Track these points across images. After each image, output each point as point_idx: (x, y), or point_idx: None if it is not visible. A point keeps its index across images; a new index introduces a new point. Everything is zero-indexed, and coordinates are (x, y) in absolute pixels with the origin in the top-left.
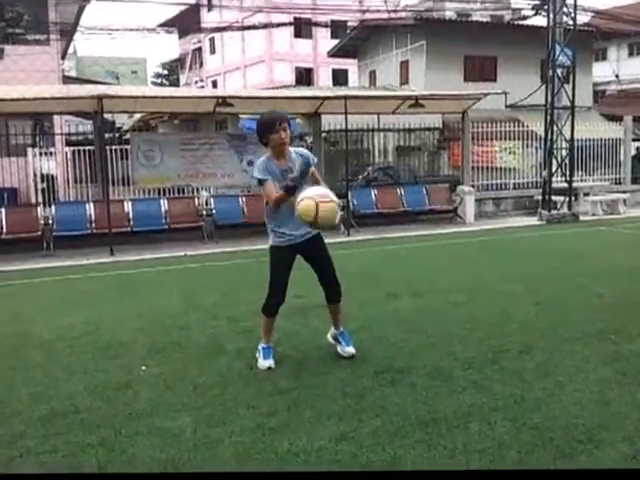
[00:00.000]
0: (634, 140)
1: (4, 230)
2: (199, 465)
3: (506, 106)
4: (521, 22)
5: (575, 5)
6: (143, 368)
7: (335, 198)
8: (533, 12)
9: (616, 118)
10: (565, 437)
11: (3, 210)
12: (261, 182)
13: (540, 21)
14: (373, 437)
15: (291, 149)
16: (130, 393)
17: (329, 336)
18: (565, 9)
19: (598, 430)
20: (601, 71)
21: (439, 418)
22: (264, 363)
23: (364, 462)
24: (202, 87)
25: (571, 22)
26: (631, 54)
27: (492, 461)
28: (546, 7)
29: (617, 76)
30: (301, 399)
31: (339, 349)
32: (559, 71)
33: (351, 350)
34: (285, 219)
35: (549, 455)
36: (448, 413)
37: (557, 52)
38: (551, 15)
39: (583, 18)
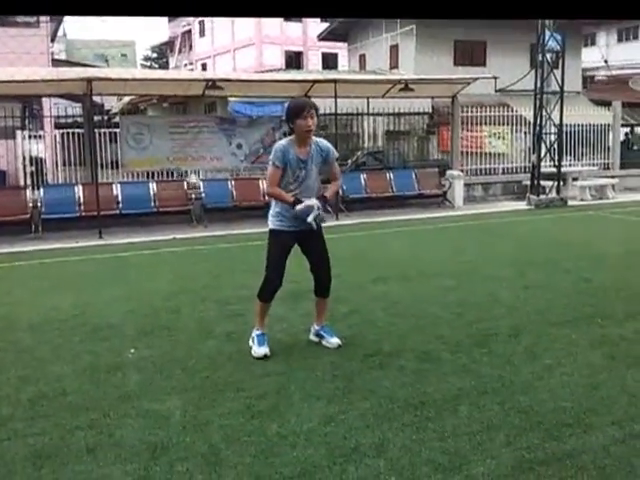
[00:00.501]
0: (623, 126)
1: None
2: (188, 447)
3: (496, 91)
4: None
5: None
6: (132, 351)
7: None
8: None
9: (605, 103)
10: (554, 420)
11: None
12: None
13: None
14: (362, 419)
15: (314, 139)
16: (119, 376)
17: (312, 336)
18: None
19: (587, 414)
20: (590, 56)
21: (428, 401)
22: (260, 351)
23: (353, 444)
24: (191, 70)
25: None
26: (620, 40)
27: (481, 444)
28: None
29: (606, 61)
30: (290, 382)
31: (324, 342)
32: (548, 56)
33: (336, 341)
34: (293, 191)
35: (538, 438)
36: (437, 396)
37: (547, 37)
38: None
39: None
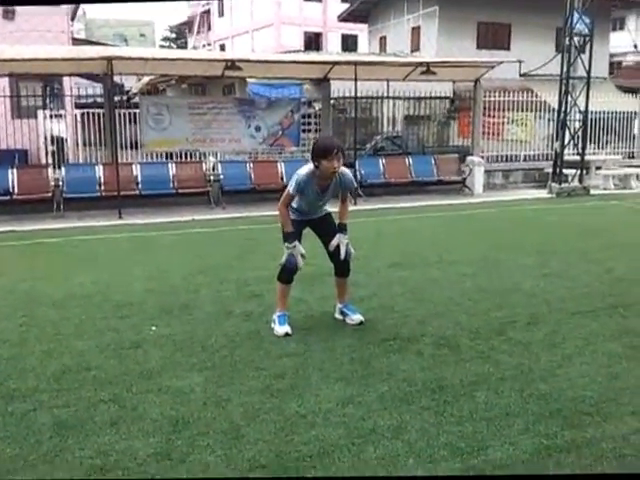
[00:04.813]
0: None
1: (16, 190)
2: (209, 423)
3: (520, 75)
4: None
5: None
6: (153, 328)
7: None
8: None
9: (632, 90)
10: (572, 409)
11: (15, 171)
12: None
13: None
14: (380, 402)
15: (339, 170)
16: (140, 352)
17: (336, 314)
18: None
19: (606, 403)
20: (618, 41)
21: (446, 386)
22: (281, 329)
23: (371, 426)
24: (210, 51)
25: None
26: None
27: (499, 429)
28: None
29: (636, 46)
30: (309, 363)
31: (347, 320)
32: (576, 40)
33: (359, 317)
34: (303, 209)
35: (556, 426)
36: (455, 381)
37: (575, 20)
38: None
39: None
